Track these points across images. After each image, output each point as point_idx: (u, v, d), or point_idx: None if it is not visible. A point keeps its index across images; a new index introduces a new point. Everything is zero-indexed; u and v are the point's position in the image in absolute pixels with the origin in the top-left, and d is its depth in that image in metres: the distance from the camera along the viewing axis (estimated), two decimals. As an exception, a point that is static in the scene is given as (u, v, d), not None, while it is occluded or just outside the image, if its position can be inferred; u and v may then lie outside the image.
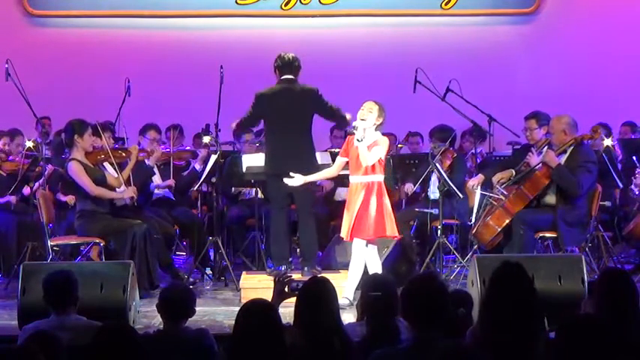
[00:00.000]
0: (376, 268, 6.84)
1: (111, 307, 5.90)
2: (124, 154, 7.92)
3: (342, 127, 7.72)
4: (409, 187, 8.72)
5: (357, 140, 6.78)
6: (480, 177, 8.12)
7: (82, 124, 7.67)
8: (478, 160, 9.12)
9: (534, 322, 3.75)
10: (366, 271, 6.91)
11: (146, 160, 8.36)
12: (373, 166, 6.84)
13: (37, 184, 8.42)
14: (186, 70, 11.05)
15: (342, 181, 8.40)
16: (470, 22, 11.58)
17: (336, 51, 11.10)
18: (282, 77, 7.52)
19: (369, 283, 4.43)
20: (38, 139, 9.21)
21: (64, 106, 10.80)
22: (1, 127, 9.37)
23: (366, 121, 6.85)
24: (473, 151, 9.35)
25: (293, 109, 7.33)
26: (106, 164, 7.90)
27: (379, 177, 6.90)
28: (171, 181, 8.72)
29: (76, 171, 7.54)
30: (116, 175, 7.75)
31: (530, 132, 7.96)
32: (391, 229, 6.91)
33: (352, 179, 6.95)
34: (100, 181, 7.63)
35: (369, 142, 6.82)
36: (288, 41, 10.60)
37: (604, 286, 4.26)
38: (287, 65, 7.52)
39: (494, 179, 7.82)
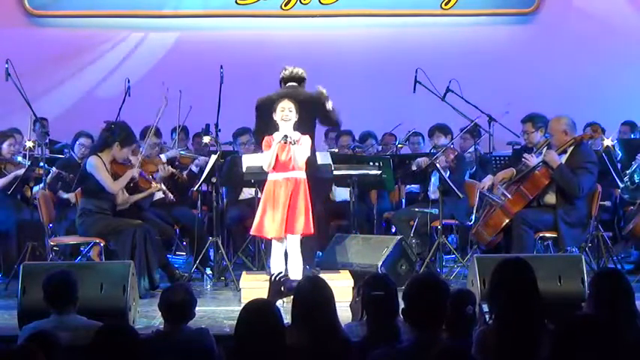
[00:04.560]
0: (299, 260, 7.05)
1: (111, 307, 5.90)
2: (145, 184, 7.96)
3: (334, 126, 7.85)
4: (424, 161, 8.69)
5: (292, 144, 6.98)
6: (491, 178, 8.03)
7: (130, 137, 7.81)
8: (477, 155, 9.10)
9: (538, 317, 3.80)
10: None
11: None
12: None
13: (39, 187, 8.41)
14: (186, 70, 11.05)
15: (344, 181, 8.42)
16: (470, 22, 11.58)
17: (336, 51, 11.11)
18: (287, 85, 7.61)
19: (370, 283, 4.43)
20: (38, 139, 9.19)
21: (64, 107, 10.84)
22: (1, 128, 9.37)
23: (292, 120, 7.06)
24: (470, 148, 9.36)
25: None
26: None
27: (304, 174, 7.10)
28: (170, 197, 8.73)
29: (97, 166, 7.57)
30: (127, 195, 7.80)
31: (527, 135, 7.96)
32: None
33: (277, 176, 7.06)
34: None
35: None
36: (288, 41, 10.61)
37: (598, 286, 4.28)
38: (291, 77, 7.59)
39: (497, 179, 7.82)
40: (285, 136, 6.97)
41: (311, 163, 7.26)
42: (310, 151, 7.18)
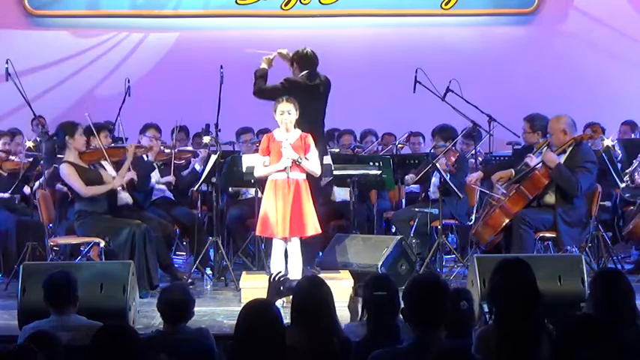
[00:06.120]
0: (299, 261, 7.05)
1: (111, 307, 5.90)
2: (120, 152, 7.90)
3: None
4: (411, 178, 8.73)
5: (298, 162, 6.97)
6: (480, 173, 8.19)
7: (72, 125, 7.69)
8: (478, 161, 9.10)
9: (538, 317, 3.81)
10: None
11: (144, 156, 8.35)
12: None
13: (37, 183, 8.42)
14: (186, 70, 11.05)
15: (344, 181, 8.42)
16: (470, 22, 11.58)
17: (336, 51, 11.10)
18: (304, 71, 7.59)
19: (372, 283, 4.43)
20: (37, 138, 9.19)
21: (64, 106, 10.83)
22: (1, 127, 9.36)
23: (292, 121, 7.04)
24: (472, 152, 9.35)
25: (315, 102, 7.32)
26: (104, 163, 7.88)
27: (305, 174, 7.10)
28: (171, 178, 8.71)
29: (67, 174, 7.55)
30: (114, 174, 7.75)
31: (524, 134, 8.02)
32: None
33: (278, 176, 7.05)
34: (95, 181, 7.62)
35: (294, 141, 7.01)
36: (288, 41, 10.57)
37: (598, 286, 4.28)
38: (305, 59, 7.61)
39: (494, 178, 7.84)
40: (292, 160, 6.98)
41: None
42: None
